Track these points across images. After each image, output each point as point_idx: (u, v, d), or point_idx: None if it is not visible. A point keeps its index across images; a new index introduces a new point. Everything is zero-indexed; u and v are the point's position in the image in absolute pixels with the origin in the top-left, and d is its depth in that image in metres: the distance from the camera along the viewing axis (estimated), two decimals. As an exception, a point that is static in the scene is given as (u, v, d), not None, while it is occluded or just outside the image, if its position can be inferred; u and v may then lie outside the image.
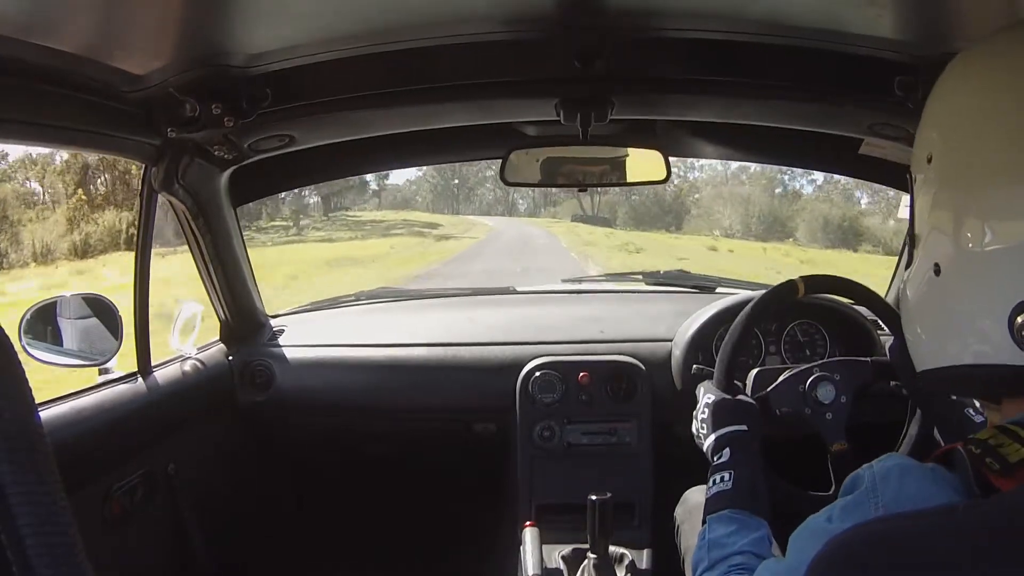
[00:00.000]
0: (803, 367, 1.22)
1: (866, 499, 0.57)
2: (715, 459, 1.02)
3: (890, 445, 1.21)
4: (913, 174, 0.68)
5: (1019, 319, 0.55)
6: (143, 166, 1.34)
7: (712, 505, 0.94)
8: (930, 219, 0.63)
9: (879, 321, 1.30)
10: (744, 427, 1.04)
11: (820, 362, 1.22)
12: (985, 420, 0.71)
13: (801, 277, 1.22)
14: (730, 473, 0.96)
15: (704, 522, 0.94)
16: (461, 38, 1.11)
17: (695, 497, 1.35)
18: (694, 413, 1.13)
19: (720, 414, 1.07)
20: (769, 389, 1.20)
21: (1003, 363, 0.57)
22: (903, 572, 0.49)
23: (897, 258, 1.83)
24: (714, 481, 0.97)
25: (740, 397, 1.12)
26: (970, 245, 0.58)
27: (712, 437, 1.05)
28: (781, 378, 1.21)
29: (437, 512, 1.89)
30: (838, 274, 1.26)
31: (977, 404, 1.01)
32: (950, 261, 0.61)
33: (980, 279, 0.58)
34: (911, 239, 0.67)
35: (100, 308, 1.37)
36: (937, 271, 0.62)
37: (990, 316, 0.56)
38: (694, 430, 1.12)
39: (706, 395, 1.13)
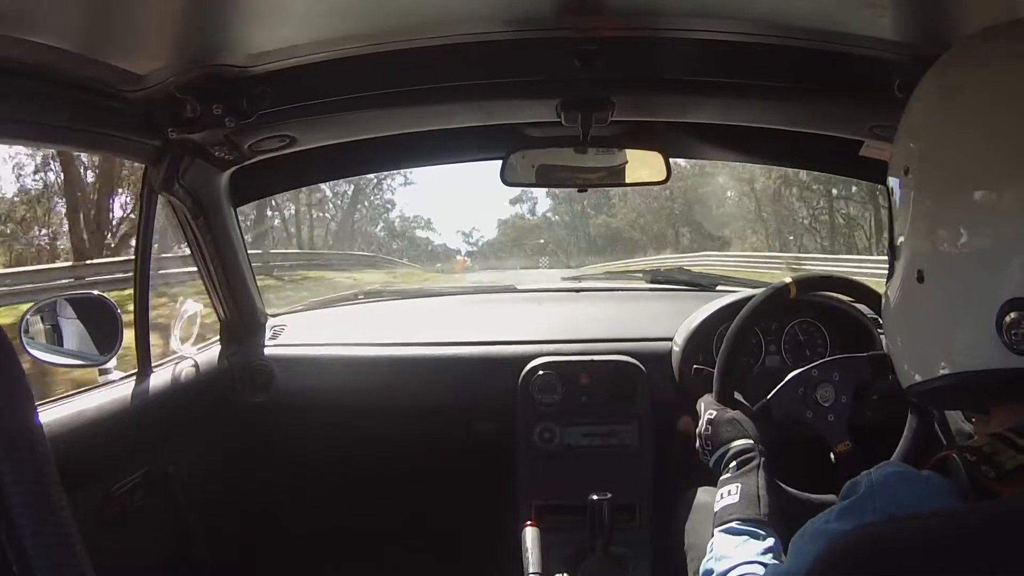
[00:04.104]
0: (801, 371, 1.22)
1: (863, 504, 0.57)
2: (722, 474, 1.03)
3: (894, 445, 1.21)
4: (890, 184, 0.68)
5: (1008, 318, 0.55)
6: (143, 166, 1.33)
7: (719, 518, 0.95)
8: (912, 226, 0.63)
9: (878, 318, 1.30)
10: (748, 440, 1.04)
11: (818, 363, 1.22)
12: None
13: (792, 278, 1.22)
14: (736, 486, 0.97)
15: (712, 534, 0.95)
16: (461, 38, 1.11)
17: (703, 497, 1.34)
18: (697, 431, 1.13)
19: (722, 429, 1.08)
20: (770, 397, 1.20)
21: (992, 368, 0.56)
22: (905, 573, 0.49)
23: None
24: (721, 495, 0.98)
25: (740, 409, 1.12)
26: (954, 247, 0.59)
27: (716, 453, 1.06)
28: (780, 385, 1.21)
29: (437, 512, 1.89)
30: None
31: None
32: (933, 265, 0.61)
33: (965, 280, 0.58)
34: (891, 249, 0.67)
35: (100, 308, 1.37)
36: (920, 278, 0.61)
37: (977, 318, 0.56)
38: (698, 447, 1.13)
39: (707, 411, 1.13)
